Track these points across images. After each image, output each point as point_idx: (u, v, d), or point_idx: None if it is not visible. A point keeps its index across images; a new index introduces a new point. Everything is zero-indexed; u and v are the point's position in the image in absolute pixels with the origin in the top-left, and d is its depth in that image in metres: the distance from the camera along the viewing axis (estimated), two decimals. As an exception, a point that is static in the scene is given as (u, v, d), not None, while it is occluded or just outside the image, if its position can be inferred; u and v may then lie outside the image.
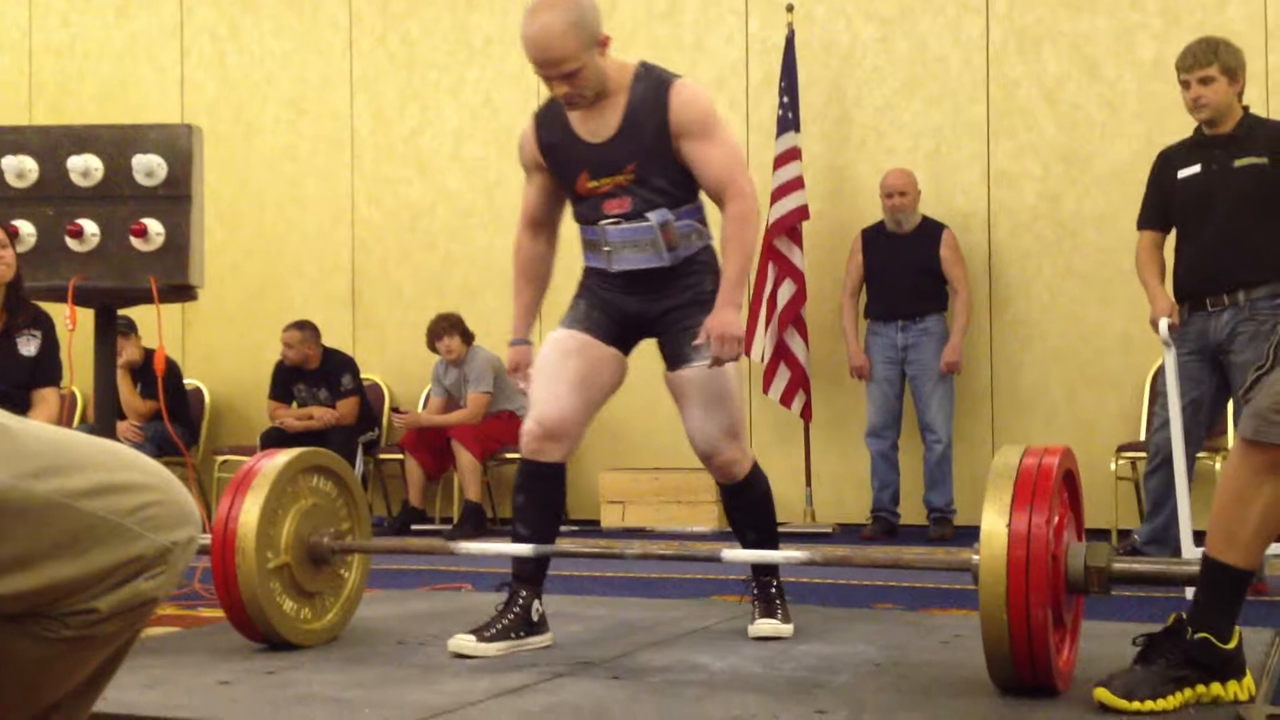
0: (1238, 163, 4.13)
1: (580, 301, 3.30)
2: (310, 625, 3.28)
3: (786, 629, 3.26)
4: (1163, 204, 4.34)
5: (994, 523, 2.52)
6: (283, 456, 3.25)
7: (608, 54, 3.10)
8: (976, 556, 2.55)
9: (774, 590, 3.34)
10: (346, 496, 3.43)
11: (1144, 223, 4.48)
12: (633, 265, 3.19)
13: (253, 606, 3.10)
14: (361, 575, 3.46)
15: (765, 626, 3.25)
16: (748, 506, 3.33)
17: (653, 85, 3.11)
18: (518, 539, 3.21)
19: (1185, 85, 4.25)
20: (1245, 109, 4.30)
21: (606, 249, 3.20)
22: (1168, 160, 4.41)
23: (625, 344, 3.32)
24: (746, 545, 3.31)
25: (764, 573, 3.35)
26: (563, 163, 3.22)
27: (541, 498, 3.23)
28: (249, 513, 3.11)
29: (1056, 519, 2.56)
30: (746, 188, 3.12)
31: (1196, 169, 4.24)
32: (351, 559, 3.42)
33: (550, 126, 3.22)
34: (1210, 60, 4.20)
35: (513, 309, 3.39)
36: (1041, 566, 2.47)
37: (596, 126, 3.14)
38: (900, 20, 6.70)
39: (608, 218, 3.17)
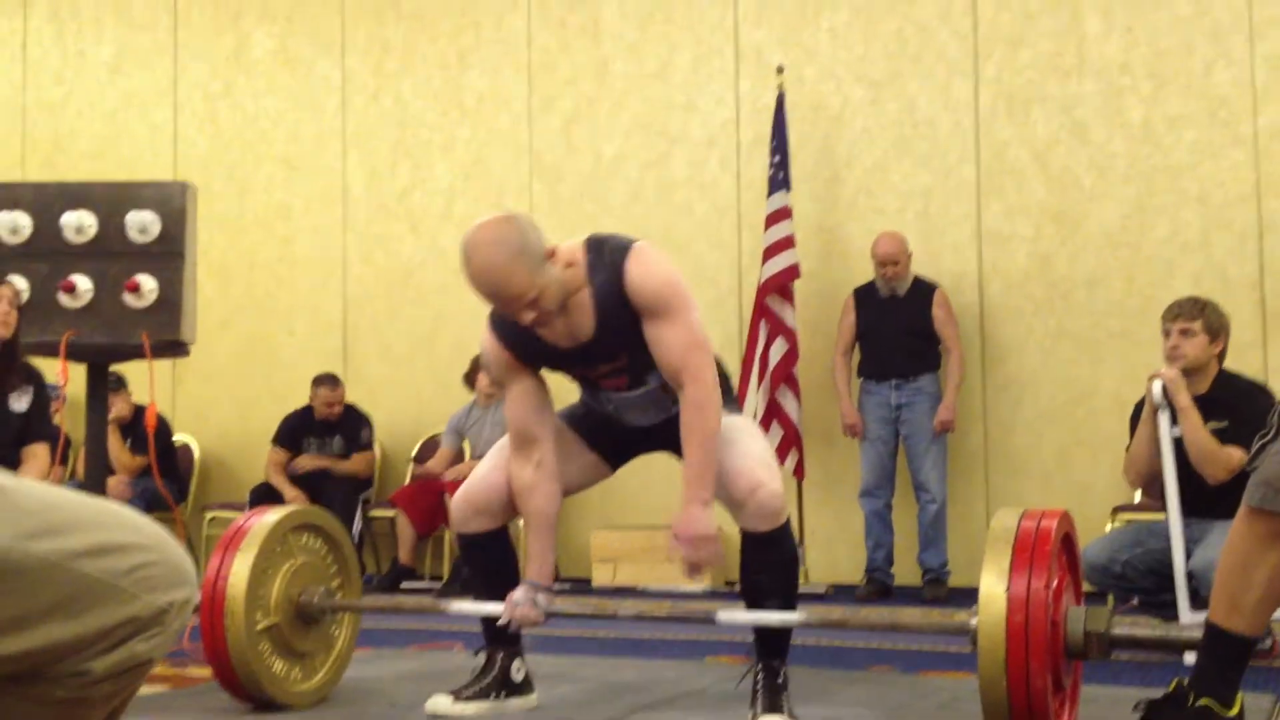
0: (1211, 426, 4.17)
1: (581, 402, 3.22)
2: (300, 686, 3.24)
3: None
4: (1153, 447, 4.30)
5: (993, 586, 2.50)
6: (272, 515, 3.22)
7: (559, 259, 2.87)
8: (974, 620, 2.53)
9: (780, 680, 2.97)
10: (336, 554, 3.40)
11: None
12: (639, 423, 3.11)
13: (242, 668, 3.06)
14: (352, 634, 3.42)
15: None
16: (776, 566, 2.96)
17: (609, 272, 2.87)
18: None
19: (1166, 334, 4.31)
20: (1221, 370, 4.33)
21: (610, 407, 3.13)
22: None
23: (614, 454, 3.21)
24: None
25: (773, 655, 2.99)
26: (543, 363, 3.06)
27: (485, 566, 3.16)
28: (238, 574, 3.08)
29: (1055, 583, 2.54)
30: (704, 373, 2.87)
31: (1181, 433, 4.23)
32: (342, 617, 3.39)
33: (515, 335, 2.99)
34: (1195, 315, 4.28)
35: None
36: (1041, 631, 2.45)
37: (571, 332, 2.94)
38: (889, 83, 6.75)
39: (607, 389, 3.09)
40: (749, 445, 2.98)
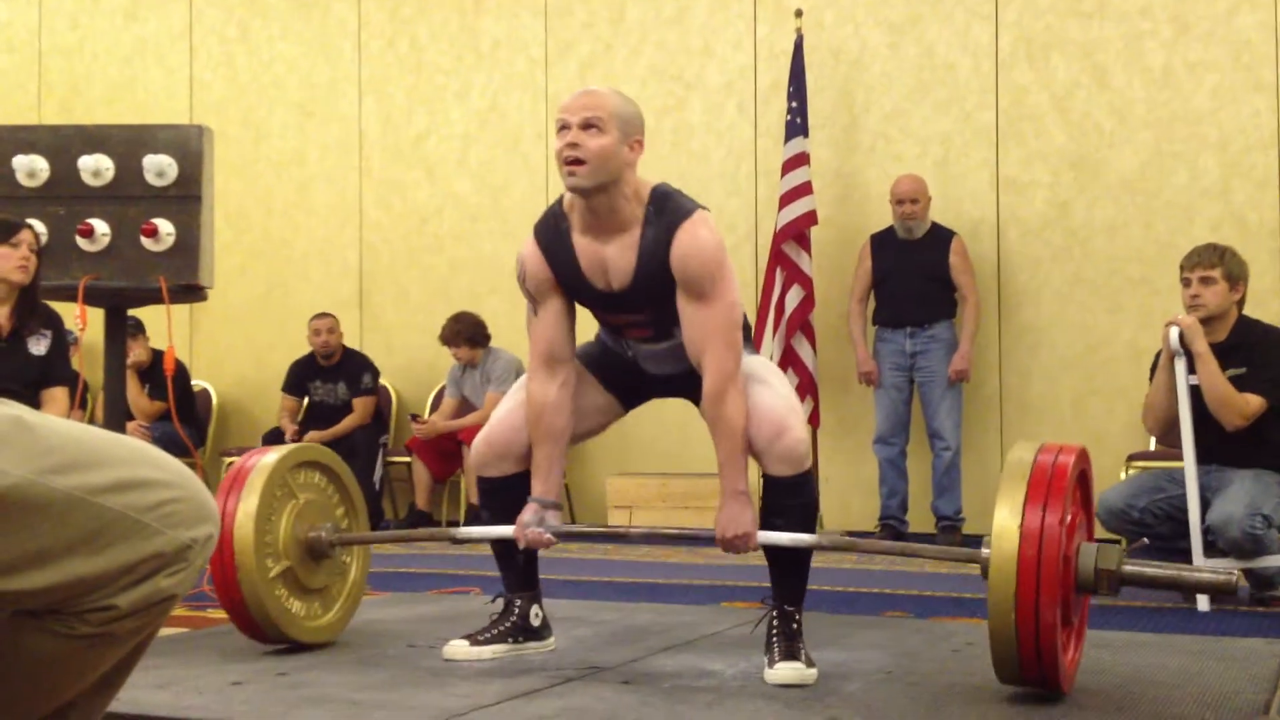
0: (1229, 373, 4.14)
1: (599, 339, 3.20)
2: (320, 620, 3.27)
3: (811, 675, 2.83)
4: (1171, 395, 4.26)
5: (1006, 520, 2.50)
6: (270, 458, 3.21)
7: (635, 168, 2.88)
8: (987, 551, 2.54)
9: (796, 625, 2.95)
10: (339, 486, 3.40)
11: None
12: (661, 372, 3.09)
13: (261, 615, 3.08)
14: (364, 563, 3.45)
15: (787, 672, 2.82)
16: (796, 510, 2.94)
17: (661, 231, 2.86)
18: (495, 554, 3.18)
19: (1186, 283, 4.27)
20: (1241, 317, 4.31)
21: (630, 353, 3.11)
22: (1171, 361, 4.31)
23: (630, 396, 3.20)
24: (784, 556, 2.96)
25: (788, 601, 2.97)
26: (572, 293, 3.02)
27: (504, 512, 3.11)
28: (243, 526, 3.06)
29: (1069, 518, 2.54)
30: (726, 359, 2.84)
31: (1198, 380, 4.18)
32: (352, 549, 3.40)
33: (556, 255, 2.97)
34: (1215, 263, 4.24)
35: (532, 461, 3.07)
36: (1053, 566, 2.45)
37: (609, 276, 2.93)
38: (909, 27, 6.70)
39: (630, 337, 3.07)
40: (777, 386, 2.97)
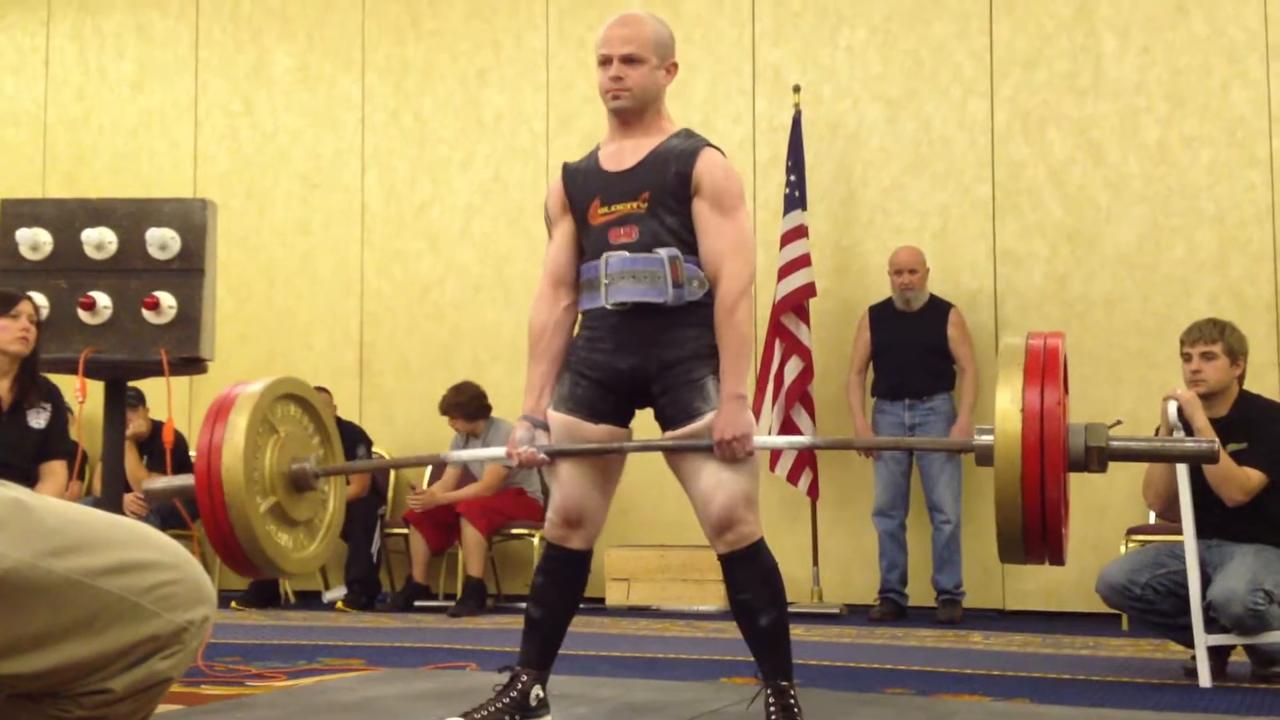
0: (1230, 448, 4.16)
1: (565, 376, 3.16)
2: (306, 550, 3.36)
3: None
4: (1171, 470, 4.27)
5: (1007, 404, 2.54)
6: (254, 387, 3.23)
7: (665, 93, 3.20)
8: (989, 438, 2.59)
9: (793, 700, 2.96)
10: (313, 417, 3.45)
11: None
12: (629, 297, 3.03)
13: (252, 549, 3.14)
14: (340, 496, 3.53)
15: None
16: (759, 579, 2.99)
17: (689, 142, 3.13)
18: (529, 620, 3.17)
19: (1186, 358, 4.29)
20: (1241, 392, 4.33)
21: (605, 281, 3.06)
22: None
23: (619, 414, 3.15)
24: (760, 629, 3.00)
25: (778, 675, 2.99)
26: (580, 197, 3.15)
27: (560, 582, 3.17)
28: (233, 469, 3.08)
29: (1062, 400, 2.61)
30: (743, 269, 3.05)
31: None
32: (329, 479, 3.46)
33: (578, 168, 3.22)
34: (1215, 338, 4.26)
35: (525, 381, 3.18)
36: (1055, 446, 2.50)
37: (622, 158, 3.14)
38: (906, 101, 6.77)
39: (612, 247, 3.06)
40: (738, 470, 2.99)
